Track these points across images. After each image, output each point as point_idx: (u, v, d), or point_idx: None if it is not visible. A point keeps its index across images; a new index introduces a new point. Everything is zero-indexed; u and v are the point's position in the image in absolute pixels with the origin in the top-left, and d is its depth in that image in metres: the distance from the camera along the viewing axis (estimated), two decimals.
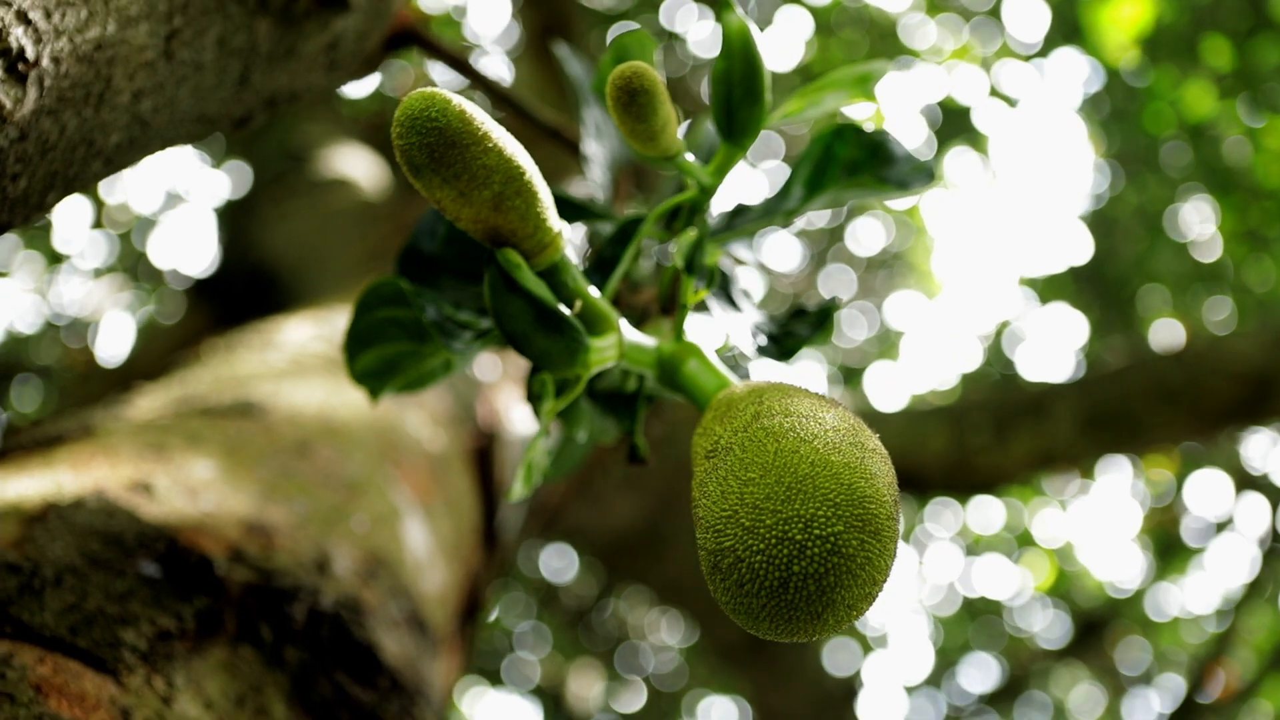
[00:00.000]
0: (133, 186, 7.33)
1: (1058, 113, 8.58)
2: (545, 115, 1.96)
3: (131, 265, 7.44)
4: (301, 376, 2.41)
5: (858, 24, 7.48)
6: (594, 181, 1.64)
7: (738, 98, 1.34)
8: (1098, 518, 8.72)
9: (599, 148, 1.66)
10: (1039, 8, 6.99)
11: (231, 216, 5.59)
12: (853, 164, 1.48)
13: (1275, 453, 7.08)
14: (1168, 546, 8.04)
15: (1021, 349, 8.24)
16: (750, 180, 7.31)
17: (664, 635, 9.10)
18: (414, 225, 1.53)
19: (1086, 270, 7.60)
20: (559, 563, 8.45)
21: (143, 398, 2.19)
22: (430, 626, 1.97)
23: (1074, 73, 7.55)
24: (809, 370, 8.14)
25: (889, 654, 9.10)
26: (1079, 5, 6.65)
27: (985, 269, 12.86)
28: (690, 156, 1.38)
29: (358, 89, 6.20)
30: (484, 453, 2.76)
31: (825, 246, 8.75)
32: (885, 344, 8.93)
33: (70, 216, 7.09)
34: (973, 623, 9.00)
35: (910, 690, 8.93)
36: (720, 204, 1.54)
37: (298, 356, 2.56)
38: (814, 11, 7.23)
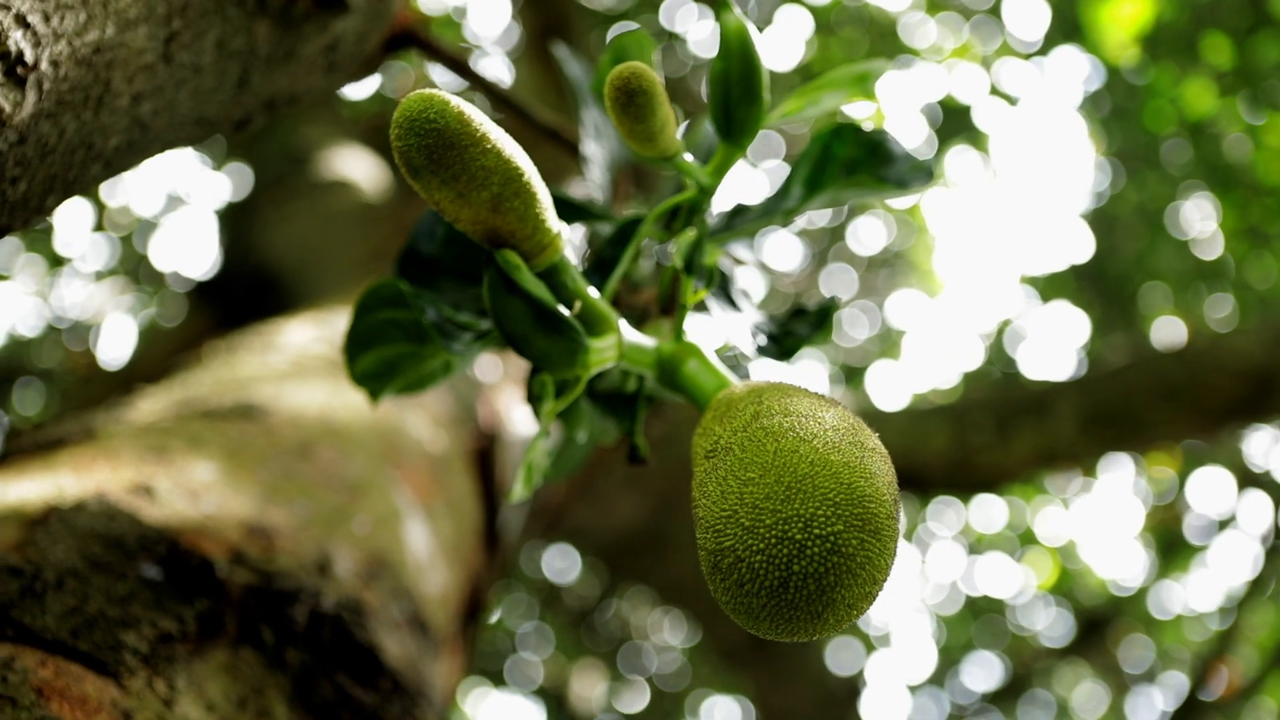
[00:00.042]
0: (134, 189, 7.34)
1: (1058, 111, 8.58)
2: (544, 116, 1.96)
3: (133, 268, 7.45)
4: (302, 378, 2.41)
5: (858, 23, 7.48)
6: (593, 182, 1.64)
7: (736, 98, 1.34)
8: (1100, 516, 8.72)
9: (598, 148, 1.67)
10: (1039, 6, 6.99)
11: (232, 219, 5.59)
12: (851, 163, 1.48)
13: (1277, 450, 7.08)
14: (1170, 544, 8.04)
15: (1023, 347, 8.24)
16: (750, 180, 7.31)
17: (666, 635, 9.10)
18: (413, 227, 1.53)
19: (1088, 268, 7.60)
20: (561, 563, 8.46)
21: (144, 400, 2.19)
22: (432, 628, 1.97)
23: (1074, 71, 7.55)
24: (810, 370, 8.15)
25: (892, 653, 9.10)
26: (1079, 3, 6.65)
27: (986, 267, 12.87)
28: (689, 157, 1.38)
29: (358, 90, 6.20)
30: (485, 454, 2.76)
31: (826, 246, 8.76)
32: (887, 343, 8.93)
33: (72, 219, 7.10)
34: (975, 621, 9.00)
35: (913, 689, 8.94)
36: (719, 204, 1.54)
37: (299, 358, 2.56)
38: (814, 11, 7.23)
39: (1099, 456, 5.20)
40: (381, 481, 2.16)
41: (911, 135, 7.43)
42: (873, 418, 5.28)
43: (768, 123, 1.41)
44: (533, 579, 8.49)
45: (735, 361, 1.52)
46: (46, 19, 1.12)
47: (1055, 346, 9.13)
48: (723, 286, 1.48)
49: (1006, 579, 8.88)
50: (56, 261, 7.30)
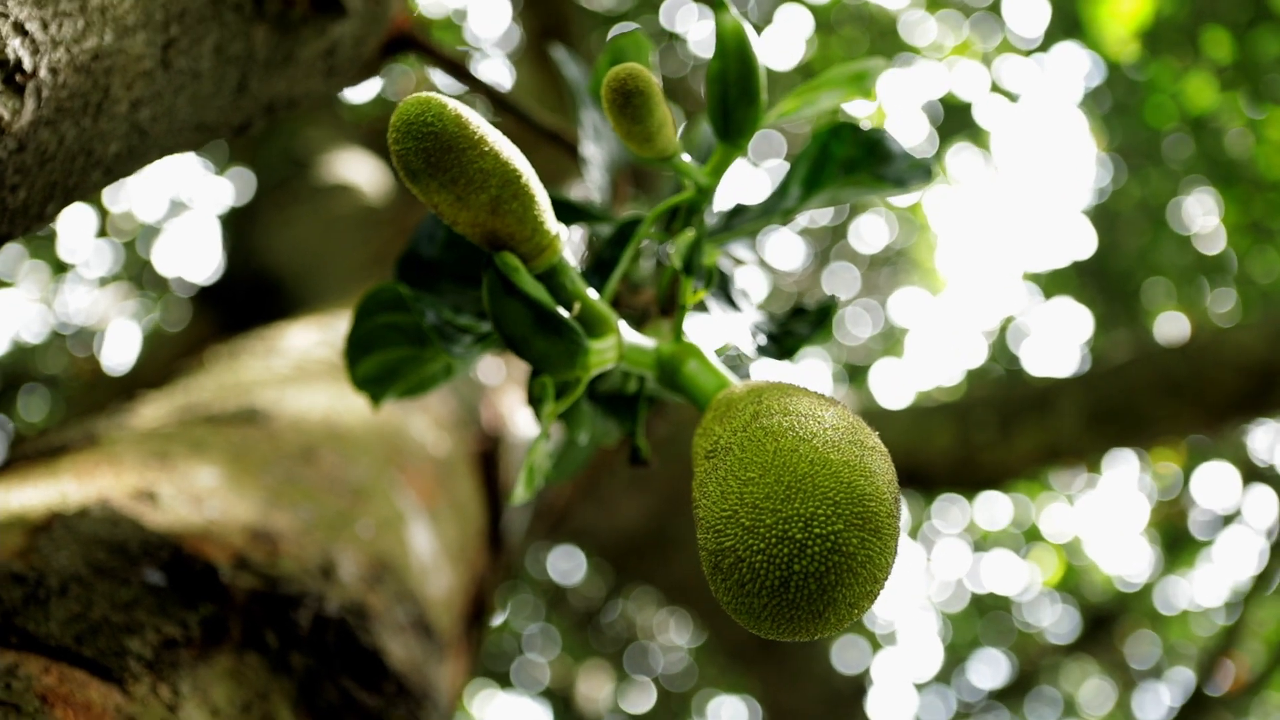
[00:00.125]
0: (136, 195, 7.35)
1: (1059, 107, 8.58)
2: (544, 118, 1.96)
3: (136, 273, 7.45)
4: (305, 382, 2.42)
5: (858, 21, 7.48)
6: (592, 183, 1.64)
7: (733, 98, 1.34)
8: (1105, 512, 8.72)
9: (597, 150, 1.67)
10: (1039, 3, 6.99)
11: (235, 223, 5.59)
12: (850, 162, 1.48)
13: None
14: (1176, 540, 8.03)
15: (1026, 344, 8.24)
16: (751, 179, 7.31)
17: (673, 635, 9.10)
18: (414, 230, 1.53)
19: (1090, 264, 7.60)
20: (567, 564, 8.46)
21: (147, 406, 2.19)
22: (436, 630, 1.98)
23: (1075, 67, 7.55)
24: (814, 369, 8.15)
25: (898, 651, 9.10)
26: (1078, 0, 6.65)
27: (989, 265, 12.86)
28: (687, 157, 1.38)
29: (359, 94, 6.20)
30: (488, 456, 2.76)
31: (828, 244, 8.75)
32: (890, 341, 8.93)
33: (75, 225, 7.11)
34: (981, 619, 9.00)
35: (920, 687, 8.94)
36: (719, 204, 1.54)
37: (301, 362, 2.56)
38: (814, 9, 7.23)
39: (1103, 453, 5.20)
40: (385, 485, 2.16)
41: (912, 133, 7.44)
42: (876, 416, 5.29)
43: (766, 122, 1.41)
44: (538, 580, 8.50)
45: (736, 361, 1.52)
46: (45, 26, 1.12)
47: (1058, 343, 9.13)
48: (722, 286, 1.48)
49: (1012, 576, 8.88)
50: (60, 268, 7.31)
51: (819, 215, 8.14)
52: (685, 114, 6.32)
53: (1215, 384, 4.65)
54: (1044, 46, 7.15)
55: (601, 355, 1.30)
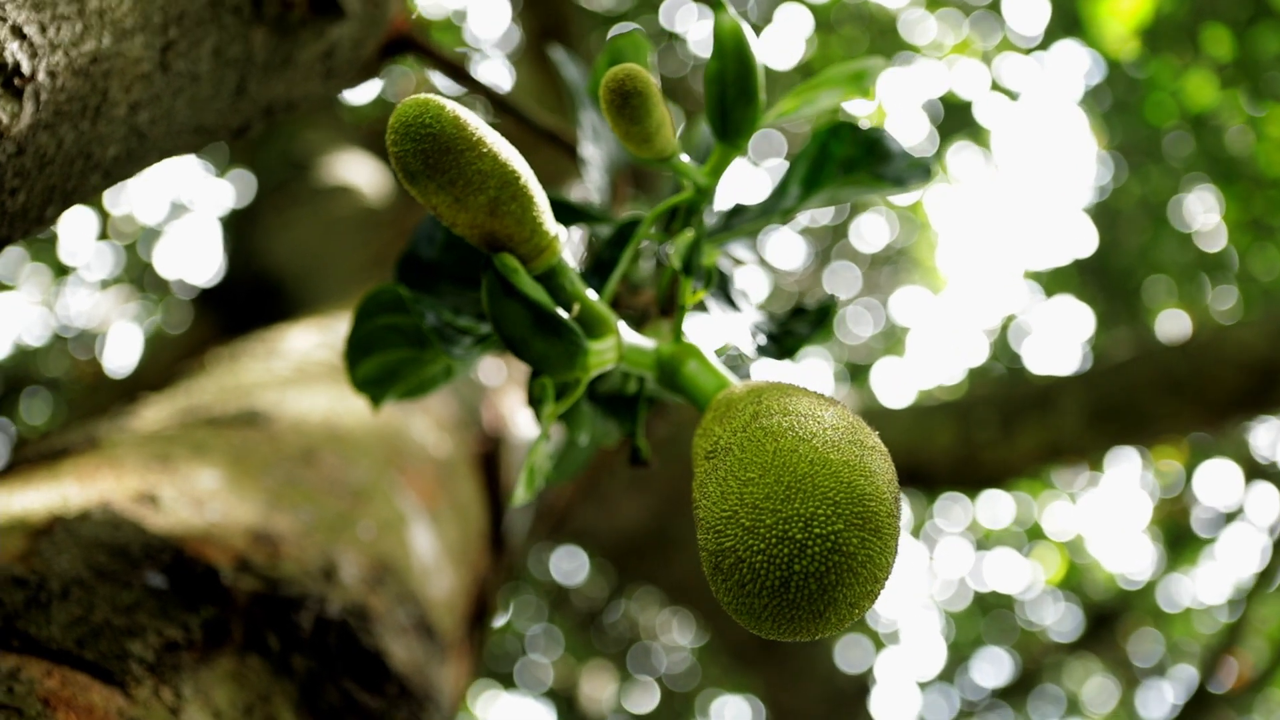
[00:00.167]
0: (137, 197, 7.35)
1: (1059, 105, 8.58)
2: (543, 119, 1.96)
3: (138, 276, 7.46)
4: (306, 384, 2.42)
5: (857, 20, 7.48)
6: (592, 184, 1.64)
7: (732, 98, 1.34)
8: (1107, 510, 8.72)
9: (596, 151, 1.67)
10: (1038, 1, 6.99)
11: (235, 225, 5.59)
12: (849, 161, 1.48)
13: None
14: (1178, 537, 8.03)
15: (1027, 343, 8.24)
16: (751, 179, 7.31)
17: (675, 635, 9.10)
18: (413, 232, 1.53)
19: (1091, 262, 7.60)
20: (569, 565, 8.46)
21: (148, 409, 2.19)
22: (438, 632, 1.98)
23: (1075, 65, 7.56)
24: (815, 368, 8.15)
25: (901, 650, 9.10)
26: None
27: (990, 263, 12.86)
28: (686, 157, 1.38)
29: (358, 95, 6.20)
30: (490, 457, 2.76)
31: (829, 244, 8.75)
32: (891, 340, 8.93)
33: (76, 228, 7.11)
34: (984, 617, 9.00)
35: (923, 686, 8.93)
36: (718, 204, 1.54)
37: (302, 364, 2.56)
38: (814, 9, 7.23)
39: (1104, 451, 5.19)
40: (386, 486, 2.16)
41: (913, 132, 7.44)
42: (878, 415, 5.29)
43: (765, 122, 1.41)
44: (541, 581, 8.50)
45: (736, 361, 1.52)
46: (43, 30, 1.12)
47: (1059, 341, 9.13)
48: (722, 287, 1.48)
49: (1015, 574, 8.88)
50: (61, 271, 7.32)
51: (820, 214, 8.14)
52: (685, 114, 6.32)
53: (1217, 381, 4.65)
54: (1044, 45, 7.15)
55: (601, 356, 1.30)
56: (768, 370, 1.47)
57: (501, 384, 3.00)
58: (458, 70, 1.96)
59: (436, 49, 1.91)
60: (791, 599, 1.01)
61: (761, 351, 1.44)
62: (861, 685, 6.96)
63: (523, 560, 5.42)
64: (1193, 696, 6.66)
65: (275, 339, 2.77)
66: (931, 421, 5.13)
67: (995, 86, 7.38)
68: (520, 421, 2.94)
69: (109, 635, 1.38)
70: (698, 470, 1.15)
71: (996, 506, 8.53)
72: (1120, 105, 7.11)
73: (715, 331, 1.47)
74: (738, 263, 1.63)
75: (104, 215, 7.11)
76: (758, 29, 6.95)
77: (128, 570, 1.49)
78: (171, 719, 1.37)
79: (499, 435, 2.83)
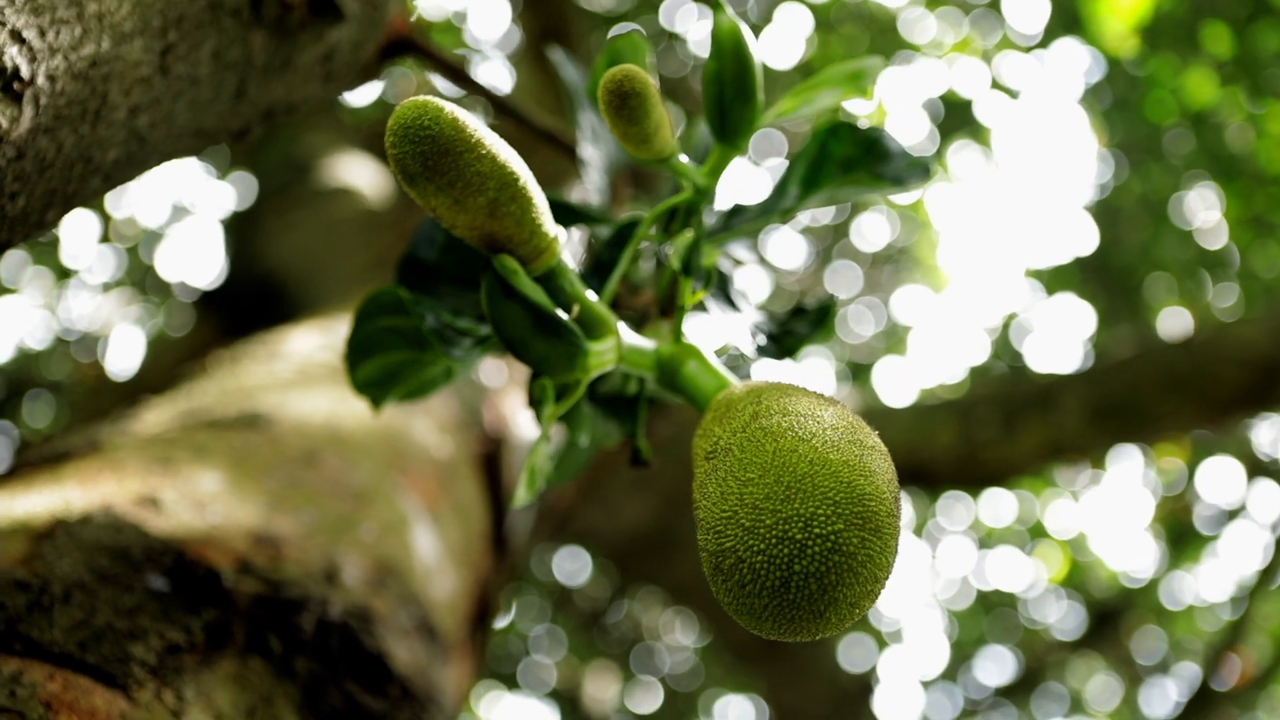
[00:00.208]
0: (139, 200, 7.35)
1: (1059, 104, 8.59)
2: (542, 121, 1.96)
3: (139, 278, 7.46)
4: (307, 386, 2.42)
5: (857, 20, 7.48)
6: (591, 185, 1.64)
7: (730, 98, 1.34)
8: (1110, 508, 8.72)
9: (596, 151, 1.67)
10: None
11: (237, 228, 5.59)
12: (848, 161, 1.48)
13: None
14: (1180, 535, 8.03)
15: (1028, 341, 8.24)
16: (752, 178, 7.31)
17: (678, 635, 9.10)
18: (413, 233, 1.53)
19: (1092, 260, 7.59)
20: (572, 565, 8.47)
21: (149, 412, 2.19)
22: (441, 633, 1.98)
23: (1075, 63, 7.56)
24: (817, 367, 8.15)
25: (904, 649, 9.10)
26: None
27: (991, 262, 12.85)
28: (685, 158, 1.38)
29: (359, 97, 6.21)
30: (491, 458, 2.76)
31: (830, 243, 8.75)
32: (892, 339, 8.93)
33: (77, 231, 7.11)
34: (987, 616, 9.00)
35: (926, 685, 8.93)
36: (717, 204, 1.54)
37: (303, 366, 2.57)
38: (813, 8, 7.23)
39: (1106, 449, 5.18)
40: (388, 488, 2.16)
41: (913, 131, 7.44)
42: (879, 414, 5.28)
43: (763, 122, 1.41)
44: (544, 582, 8.50)
45: (736, 362, 1.52)
46: (42, 34, 1.13)
47: (1060, 339, 9.13)
48: (721, 287, 1.48)
49: (1017, 573, 8.88)
50: (63, 274, 7.32)
51: (821, 213, 8.14)
52: (686, 114, 6.32)
53: (1218, 379, 4.64)
54: (1044, 43, 7.15)
55: (601, 357, 1.30)
56: (768, 370, 1.47)
57: (503, 385, 3.00)
58: (457, 72, 1.96)
59: (436, 51, 1.91)
60: (792, 599, 1.01)
61: (761, 351, 1.44)
62: (865, 684, 6.97)
63: (525, 561, 5.42)
64: (1196, 694, 6.66)
65: (277, 341, 2.78)
66: (933, 420, 5.12)
67: (995, 85, 7.38)
68: (522, 422, 2.94)
69: (111, 638, 1.39)
70: (698, 471, 1.15)
71: (999, 505, 8.53)
72: (1120, 103, 7.11)
73: (715, 332, 1.47)
74: (737, 263, 1.63)
75: (106, 218, 7.12)
76: (758, 29, 6.95)
77: (129, 573, 1.50)
78: None
79: (500, 436, 2.83)
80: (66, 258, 7.22)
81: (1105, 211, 7.57)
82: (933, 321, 10.08)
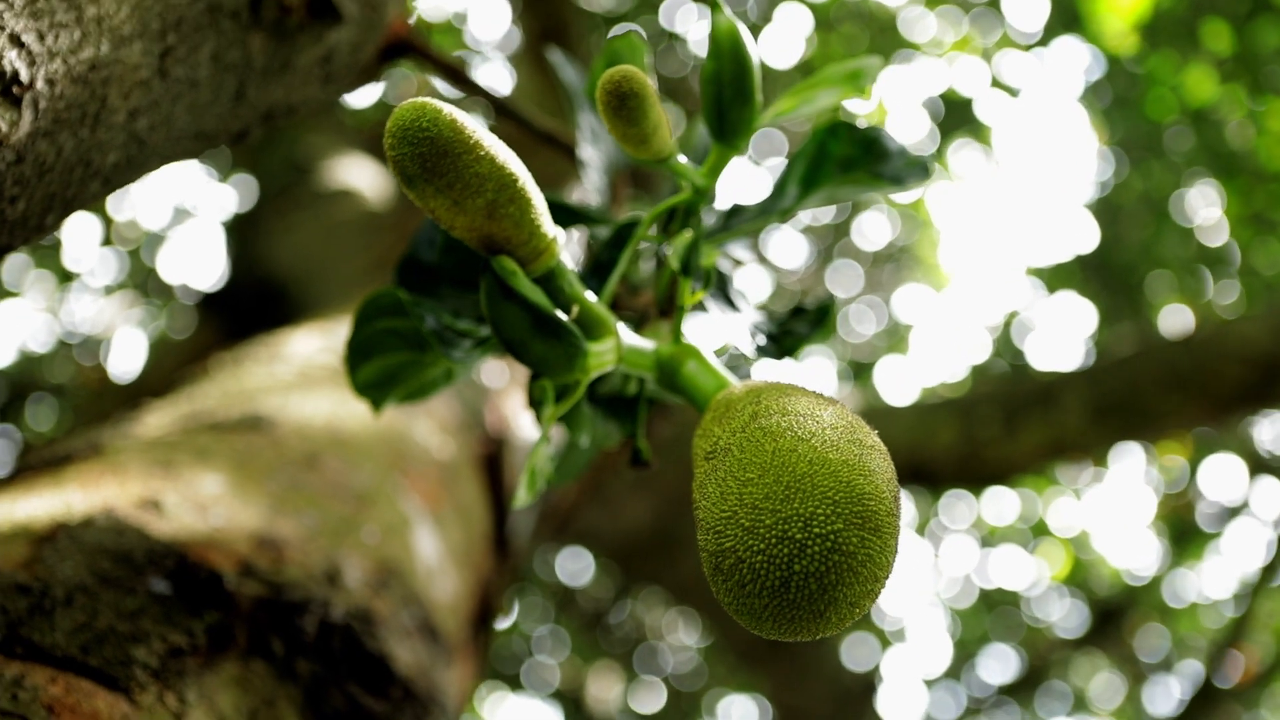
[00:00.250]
0: (140, 203, 7.35)
1: (1060, 102, 8.58)
2: (541, 122, 1.97)
3: (141, 281, 7.46)
4: (309, 388, 2.42)
5: (857, 19, 7.48)
6: (591, 186, 1.64)
7: (728, 98, 1.34)
8: (1112, 506, 8.71)
9: (595, 152, 1.67)
10: None
11: (238, 230, 5.60)
12: (847, 160, 1.48)
13: None
14: (1183, 532, 8.03)
15: (1030, 339, 8.24)
16: (751, 178, 7.32)
17: (682, 635, 9.10)
18: (413, 235, 1.53)
19: (1093, 258, 7.59)
20: (575, 566, 8.47)
21: (151, 415, 2.19)
22: (443, 634, 1.98)
23: (1075, 61, 7.56)
24: (818, 367, 8.15)
25: (907, 648, 9.10)
26: None
27: (992, 260, 12.85)
28: (684, 158, 1.38)
29: (360, 99, 6.21)
30: (493, 459, 2.76)
31: (831, 242, 8.75)
32: (893, 338, 8.92)
33: (79, 234, 7.12)
34: (990, 614, 8.99)
35: (930, 683, 8.93)
36: (717, 204, 1.54)
37: (305, 369, 2.57)
38: (813, 7, 7.23)
39: (1108, 447, 5.18)
40: (389, 490, 2.16)
41: (913, 129, 7.44)
42: (880, 413, 5.28)
43: (762, 122, 1.41)
44: (547, 582, 8.50)
45: (735, 362, 1.52)
46: (41, 38, 1.13)
47: (1062, 337, 9.12)
48: (721, 287, 1.48)
49: (1020, 571, 8.88)
50: (66, 277, 7.33)
51: (821, 213, 8.14)
52: (686, 114, 6.32)
53: (1220, 376, 4.64)
54: (1044, 41, 7.15)
55: (600, 358, 1.30)
56: (767, 370, 1.47)
57: (504, 386, 3.01)
58: (456, 73, 1.96)
59: (435, 52, 1.91)
60: (792, 599, 1.01)
61: (761, 351, 1.44)
62: (868, 683, 6.97)
63: (527, 562, 5.42)
64: (1199, 691, 6.66)
65: (278, 343, 2.78)
66: (934, 419, 5.12)
67: (995, 83, 7.39)
68: (523, 423, 2.94)
69: (113, 641, 1.39)
70: (697, 471, 1.15)
71: (1001, 503, 8.53)
72: (1120, 101, 7.11)
73: (714, 332, 1.47)
74: (737, 263, 1.63)
75: (107, 221, 7.12)
76: (757, 28, 6.95)
77: (131, 576, 1.50)
78: None
79: (502, 437, 2.84)
80: (69, 261, 7.23)
81: (1106, 209, 7.57)
82: (934, 320, 10.09)
